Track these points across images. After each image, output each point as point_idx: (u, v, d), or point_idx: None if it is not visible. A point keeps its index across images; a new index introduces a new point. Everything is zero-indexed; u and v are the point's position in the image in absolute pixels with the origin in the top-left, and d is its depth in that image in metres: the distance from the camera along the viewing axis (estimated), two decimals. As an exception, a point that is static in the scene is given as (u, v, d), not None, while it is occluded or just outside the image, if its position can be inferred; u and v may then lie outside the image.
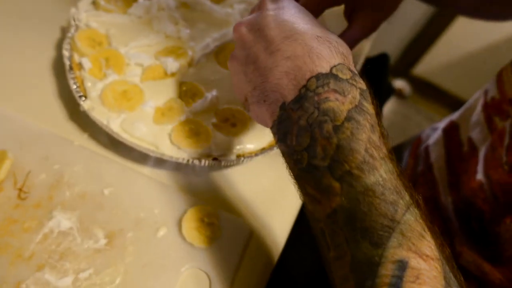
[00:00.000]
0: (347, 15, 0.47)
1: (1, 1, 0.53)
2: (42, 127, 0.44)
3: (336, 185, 0.27)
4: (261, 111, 0.33)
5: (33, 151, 0.42)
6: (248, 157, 0.44)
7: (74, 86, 0.43)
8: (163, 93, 0.45)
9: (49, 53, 0.50)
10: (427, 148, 0.54)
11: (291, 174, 0.32)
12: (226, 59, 0.51)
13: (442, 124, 0.58)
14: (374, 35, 0.67)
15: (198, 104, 0.45)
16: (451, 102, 2.10)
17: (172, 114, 0.43)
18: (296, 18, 0.33)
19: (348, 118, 0.28)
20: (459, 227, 0.48)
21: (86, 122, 0.45)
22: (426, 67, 2.03)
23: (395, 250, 0.25)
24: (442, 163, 0.52)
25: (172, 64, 0.46)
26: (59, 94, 0.47)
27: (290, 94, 0.30)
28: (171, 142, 0.42)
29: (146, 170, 0.45)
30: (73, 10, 0.48)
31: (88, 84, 0.43)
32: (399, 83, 2.12)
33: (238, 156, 0.43)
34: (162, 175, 0.45)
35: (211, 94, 0.46)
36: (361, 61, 0.65)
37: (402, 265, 0.25)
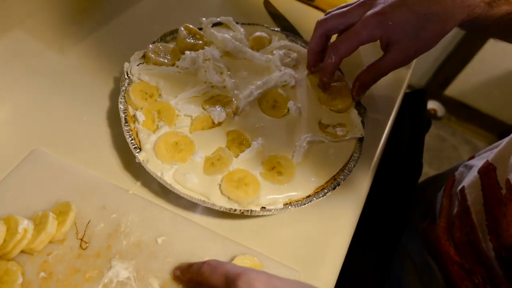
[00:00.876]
0: (383, 47, 0.49)
1: (58, 59, 0.58)
2: (99, 177, 0.47)
3: None
4: None
5: (92, 201, 0.45)
6: (294, 205, 0.44)
7: (130, 138, 0.46)
8: (211, 142, 0.47)
9: (104, 104, 0.54)
10: (463, 190, 0.53)
11: None
12: (269, 105, 0.53)
13: (476, 162, 0.56)
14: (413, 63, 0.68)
15: (246, 153, 0.46)
16: (486, 122, 2.03)
17: (221, 164, 0.45)
18: None
19: None
20: (504, 276, 0.46)
21: (139, 171, 0.48)
22: (459, 87, 1.99)
23: None
24: (480, 207, 0.50)
25: (220, 114, 0.49)
26: (114, 144, 0.50)
27: None
28: (221, 192, 0.43)
29: (196, 217, 0.47)
30: (126, 64, 0.52)
31: (142, 136, 0.46)
32: (432, 104, 2.08)
33: (285, 205, 0.44)
34: (211, 222, 0.47)
35: (257, 142, 0.48)
36: (402, 89, 0.66)
37: None
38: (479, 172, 0.52)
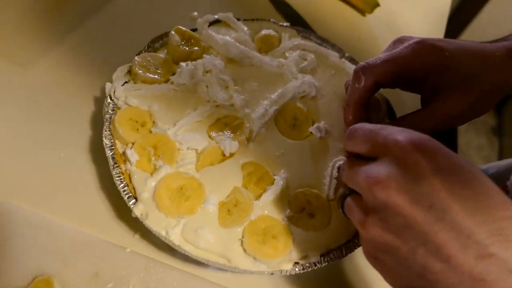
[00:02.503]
0: (425, 96, 0.39)
1: (20, 78, 0.46)
2: (87, 234, 0.37)
3: None
4: None
5: (81, 267, 0.36)
6: (333, 254, 0.36)
7: (121, 185, 0.36)
8: (224, 181, 0.38)
9: (86, 133, 0.43)
10: None
11: None
12: (288, 125, 0.43)
13: None
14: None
15: (269, 194, 0.37)
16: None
17: (239, 212, 0.36)
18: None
19: None
20: None
21: (136, 219, 0.38)
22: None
23: None
24: None
25: (231, 144, 0.39)
26: (102, 186, 0.40)
27: None
28: (244, 250, 0.34)
29: (209, 273, 0.38)
30: (108, 85, 0.41)
31: (137, 181, 0.36)
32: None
33: (323, 255, 0.36)
34: (228, 278, 0.38)
35: (281, 176, 0.39)
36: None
37: None
38: None
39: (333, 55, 0.50)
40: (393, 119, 0.45)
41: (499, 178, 0.53)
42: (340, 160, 0.41)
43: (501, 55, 0.37)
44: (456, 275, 0.23)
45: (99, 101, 0.46)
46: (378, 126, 0.29)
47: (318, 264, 0.35)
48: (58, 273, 0.35)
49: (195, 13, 0.57)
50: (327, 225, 0.37)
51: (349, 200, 0.30)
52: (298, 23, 0.59)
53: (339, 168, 0.40)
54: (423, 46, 0.36)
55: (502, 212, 0.23)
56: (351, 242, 0.37)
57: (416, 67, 0.37)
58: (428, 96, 0.38)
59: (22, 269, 0.35)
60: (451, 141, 0.58)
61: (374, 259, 0.27)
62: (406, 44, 0.38)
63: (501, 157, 1.94)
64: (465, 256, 0.22)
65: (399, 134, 0.26)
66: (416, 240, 0.23)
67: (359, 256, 0.39)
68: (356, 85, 0.38)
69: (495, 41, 0.40)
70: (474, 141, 2.06)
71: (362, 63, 0.38)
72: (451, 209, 0.23)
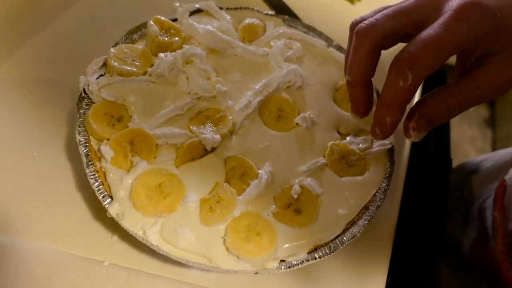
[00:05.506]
0: (471, 60, 0.32)
1: None
2: (60, 251, 0.34)
3: None
4: None
5: None
6: (320, 251, 0.34)
7: (96, 184, 0.34)
8: (206, 177, 0.36)
9: (61, 130, 0.41)
10: None
11: None
12: (272, 116, 0.42)
13: None
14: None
15: (252, 189, 0.35)
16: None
17: (222, 208, 0.34)
18: None
19: None
20: None
21: (113, 220, 0.36)
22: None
23: None
24: None
25: (213, 138, 0.37)
26: (77, 187, 0.38)
27: None
28: (227, 249, 0.33)
29: (194, 275, 0.36)
30: (82, 78, 0.39)
31: (113, 179, 0.34)
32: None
33: (310, 252, 0.34)
34: (213, 279, 0.36)
35: (265, 170, 0.37)
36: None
37: None
38: None
39: (320, 44, 0.48)
40: None
41: (496, 172, 0.52)
42: (319, 160, 0.39)
43: None
44: None
45: (75, 97, 0.44)
46: None
47: (305, 262, 0.33)
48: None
49: (177, 4, 0.55)
50: (314, 221, 0.35)
51: None
52: (284, 11, 0.57)
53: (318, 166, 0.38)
54: (474, 11, 0.29)
55: None
56: (339, 238, 0.35)
57: (470, 42, 0.29)
58: (470, 64, 0.32)
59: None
60: (443, 133, 0.57)
61: None
62: (449, 13, 0.29)
63: (494, 148, 1.94)
64: None
65: None
66: None
67: (347, 252, 0.38)
68: (401, 83, 0.29)
69: None
70: (468, 133, 2.06)
71: (404, 55, 0.29)
72: None
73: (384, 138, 0.34)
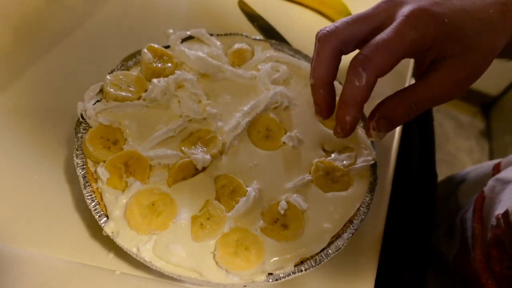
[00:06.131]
0: (425, 65, 0.35)
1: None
2: (72, 262, 0.36)
3: None
4: None
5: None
6: (307, 264, 0.36)
7: (92, 204, 0.36)
8: (196, 195, 0.38)
9: (60, 154, 0.44)
10: (507, 215, 0.43)
11: None
12: (261, 136, 0.44)
13: (510, 174, 0.49)
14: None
15: (240, 205, 0.37)
16: (468, 94, 2.00)
17: (212, 225, 0.36)
18: None
19: None
20: None
21: (110, 238, 0.38)
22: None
23: None
24: None
25: (203, 158, 0.39)
26: (76, 207, 0.40)
27: None
28: (217, 263, 0.34)
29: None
30: (79, 104, 0.42)
31: (108, 198, 0.36)
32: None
33: (297, 265, 0.36)
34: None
35: (253, 188, 0.39)
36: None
37: None
38: None
39: (306, 66, 0.51)
40: None
41: (478, 184, 0.53)
42: (306, 177, 0.41)
43: (495, 12, 0.34)
44: None
45: (74, 122, 0.46)
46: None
47: (292, 274, 0.35)
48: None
49: (171, 30, 0.58)
50: (301, 235, 0.37)
51: None
52: (273, 36, 0.60)
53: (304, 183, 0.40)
54: (422, 18, 0.32)
55: None
56: (325, 251, 0.37)
57: (418, 45, 0.32)
58: (425, 68, 0.35)
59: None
60: (428, 147, 0.59)
61: None
62: (400, 18, 0.32)
63: (491, 159, 1.96)
64: None
65: None
66: None
67: (333, 265, 0.39)
68: (357, 83, 0.32)
69: None
70: (464, 145, 2.08)
71: (359, 57, 0.32)
72: None
73: (345, 136, 0.36)
